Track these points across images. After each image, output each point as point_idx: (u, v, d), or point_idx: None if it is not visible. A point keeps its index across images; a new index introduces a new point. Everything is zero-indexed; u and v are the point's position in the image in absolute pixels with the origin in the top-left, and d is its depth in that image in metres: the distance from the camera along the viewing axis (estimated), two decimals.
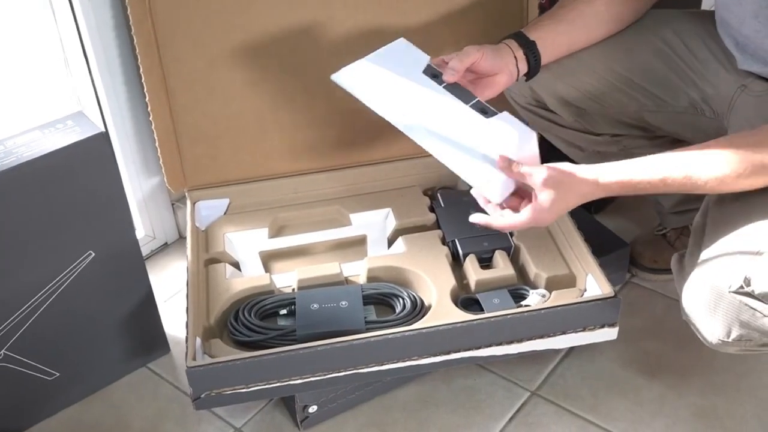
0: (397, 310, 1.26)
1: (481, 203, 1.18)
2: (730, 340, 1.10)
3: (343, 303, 1.27)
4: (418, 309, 1.26)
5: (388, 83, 1.19)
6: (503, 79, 1.23)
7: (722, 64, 1.31)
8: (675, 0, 1.43)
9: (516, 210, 1.14)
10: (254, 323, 1.24)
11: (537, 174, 1.11)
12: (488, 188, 1.13)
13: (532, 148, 1.15)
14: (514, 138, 1.13)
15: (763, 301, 1.04)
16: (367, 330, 1.22)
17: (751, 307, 1.06)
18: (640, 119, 1.37)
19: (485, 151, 1.13)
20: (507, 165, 1.12)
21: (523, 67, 1.25)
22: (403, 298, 1.27)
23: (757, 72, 1.26)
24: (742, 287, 1.05)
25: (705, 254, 1.13)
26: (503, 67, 1.23)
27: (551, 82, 1.34)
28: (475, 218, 1.17)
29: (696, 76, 1.33)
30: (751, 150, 1.09)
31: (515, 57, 1.24)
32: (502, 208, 1.16)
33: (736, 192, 1.15)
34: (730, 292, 1.06)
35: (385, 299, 1.29)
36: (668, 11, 1.40)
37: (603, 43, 1.35)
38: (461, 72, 1.19)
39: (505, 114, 1.17)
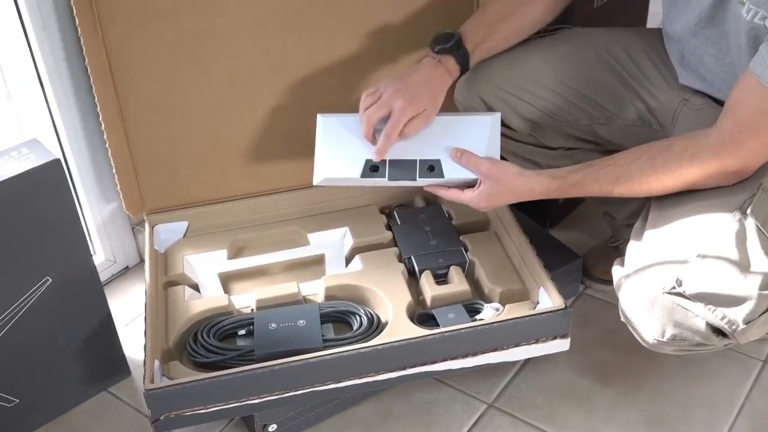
0: (354, 328, 1.28)
1: (450, 196, 1.28)
2: (665, 339, 1.14)
3: (301, 322, 1.28)
4: (375, 326, 1.28)
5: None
6: (437, 108, 1.29)
7: (666, 79, 1.36)
8: (621, 18, 1.49)
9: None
10: (213, 344, 1.25)
11: (482, 166, 1.22)
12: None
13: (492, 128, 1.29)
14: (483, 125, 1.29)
15: (693, 301, 1.09)
16: (325, 348, 1.23)
17: (683, 307, 1.10)
18: (592, 132, 1.41)
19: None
20: (458, 154, 1.24)
21: (455, 75, 1.31)
22: (360, 316, 1.29)
23: (697, 87, 1.31)
24: (674, 288, 1.10)
25: (641, 260, 1.18)
26: (436, 99, 1.29)
27: (507, 98, 1.37)
28: (424, 184, 1.29)
29: (642, 90, 1.37)
30: (664, 154, 1.15)
31: (450, 73, 1.30)
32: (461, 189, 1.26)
33: (672, 198, 1.20)
34: (664, 293, 1.11)
35: (342, 317, 1.31)
36: (615, 29, 1.44)
37: (554, 58, 1.38)
38: (387, 148, 1.26)
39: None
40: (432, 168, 1.27)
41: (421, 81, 1.28)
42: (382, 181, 1.28)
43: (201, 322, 1.31)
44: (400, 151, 1.28)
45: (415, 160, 1.27)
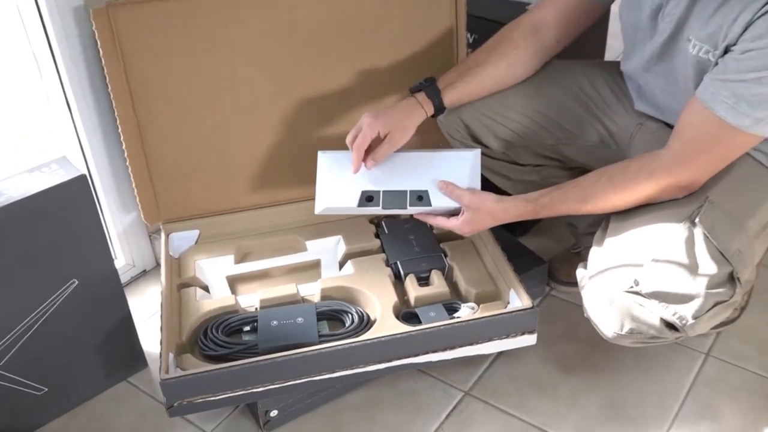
0: (347, 324, 1.27)
1: (437, 223, 1.29)
2: (623, 333, 1.15)
3: (300, 319, 1.27)
4: (365, 323, 1.28)
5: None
6: (406, 135, 1.29)
7: (624, 106, 1.36)
8: (583, 50, 1.49)
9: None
10: (221, 339, 1.24)
11: (464, 197, 1.22)
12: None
13: (472, 163, 1.29)
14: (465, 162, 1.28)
15: (649, 299, 1.10)
16: (321, 342, 1.22)
17: (640, 305, 1.11)
18: (557, 152, 1.41)
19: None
20: (444, 186, 1.24)
21: (429, 110, 1.31)
22: (351, 314, 1.28)
23: (651, 114, 1.32)
24: (632, 287, 1.11)
25: (603, 263, 1.18)
26: (405, 127, 1.29)
27: (484, 120, 1.37)
28: (414, 212, 1.30)
29: (602, 115, 1.38)
30: (622, 174, 1.16)
31: (422, 106, 1.30)
32: (447, 217, 1.27)
33: (630, 210, 1.20)
34: (623, 292, 1.12)
35: (336, 315, 1.31)
36: (580, 61, 1.45)
37: (527, 87, 1.38)
38: (361, 160, 1.27)
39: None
40: (421, 198, 1.27)
41: (393, 111, 1.29)
42: (377, 210, 1.29)
43: (210, 320, 1.30)
44: (393, 182, 1.28)
45: (406, 191, 1.27)
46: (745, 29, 1.06)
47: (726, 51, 1.10)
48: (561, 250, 1.65)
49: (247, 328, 1.29)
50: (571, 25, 1.35)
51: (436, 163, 1.29)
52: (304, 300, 1.36)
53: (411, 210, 1.28)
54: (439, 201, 1.26)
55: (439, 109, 1.32)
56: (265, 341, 1.23)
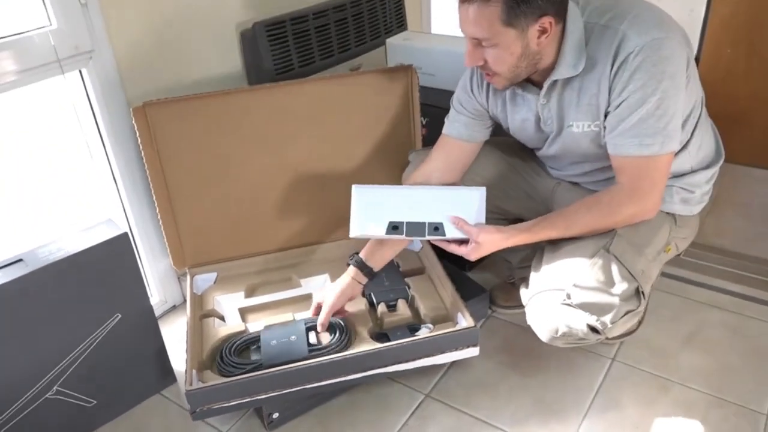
0: (332, 336, 1.28)
1: (450, 249, 1.24)
2: (558, 335, 1.16)
3: (293, 337, 1.28)
4: (347, 334, 1.29)
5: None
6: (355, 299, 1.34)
7: (544, 171, 1.40)
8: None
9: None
10: (234, 361, 1.25)
11: (473, 233, 1.19)
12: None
13: (479, 201, 1.23)
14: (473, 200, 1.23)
15: (577, 309, 1.12)
16: (311, 353, 1.24)
17: (571, 314, 1.13)
18: (496, 206, 1.41)
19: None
20: (457, 221, 1.21)
21: (363, 279, 1.34)
22: (336, 326, 1.30)
23: (562, 179, 1.36)
24: (565, 300, 1.13)
25: (541, 284, 1.20)
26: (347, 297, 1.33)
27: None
28: (431, 239, 1.24)
29: (529, 178, 1.42)
30: (597, 205, 1.17)
31: (357, 280, 1.33)
32: (458, 245, 1.23)
33: (559, 242, 1.22)
34: (559, 304, 1.13)
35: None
36: (509, 139, 1.41)
37: (480, 161, 1.37)
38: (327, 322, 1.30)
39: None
40: (437, 228, 1.22)
41: (340, 293, 1.32)
42: (401, 237, 1.24)
43: (225, 341, 1.30)
44: (413, 215, 1.24)
45: (425, 223, 1.23)
46: (610, 94, 1.10)
47: (606, 114, 1.14)
48: (499, 281, 1.66)
49: (254, 347, 1.29)
50: (457, 167, 1.34)
51: (449, 198, 1.24)
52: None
53: (429, 238, 1.23)
54: (452, 232, 1.22)
55: (369, 274, 1.33)
56: (267, 360, 1.24)
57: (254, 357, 1.29)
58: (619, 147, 1.13)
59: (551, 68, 1.14)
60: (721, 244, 1.83)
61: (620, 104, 1.10)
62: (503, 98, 1.27)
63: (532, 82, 1.21)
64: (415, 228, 1.23)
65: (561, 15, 1.09)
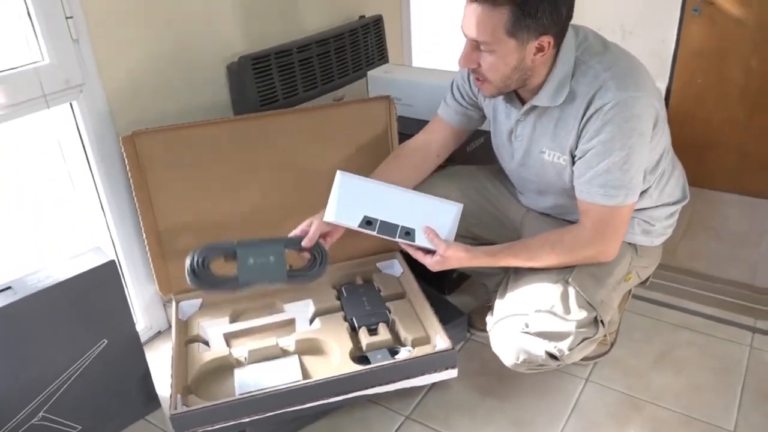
0: (310, 262, 1.27)
1: (415, 255, 1.27)
2: (519, 362, 1.21)
3: (271, 258, 1.24)
4: (323, 260, 1.27)
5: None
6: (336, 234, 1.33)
7: (515, 198, 1.45)
8: (484, 157, 1.57)
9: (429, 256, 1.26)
10: (209, 275, 1.20)
11: (440, 247, 1.23)
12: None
13: (455, 216, 1.27)
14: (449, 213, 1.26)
15: (536, 337, 1.17)
16: (289, 277, 1.23)
17: (530, 341, 1.18)
18: (469, 231, 1.45)
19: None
20: (428, 232, 1.24)
21: None
22: (314, 250, 1.28)
23: (530, 207, 1.41)
24: (524, 329, 1.18)
25: (504, 312, 1.25)
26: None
27: None
28: (400, 242, 1.26)
29: (500, 205, 1.47)
30: (560, 243, 1.22)
31: None
32: (424, 253, 1.26)
33: (523, 271, 1.26)
34: (519, 332, 1.19)
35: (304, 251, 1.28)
36: (482, 166, 1.53)
37: (448, 185, 1.42)
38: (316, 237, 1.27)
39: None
40: (408, 233, 1.25)
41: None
42: (372, 233, 1.25)
43: (209, 364, 1.30)
44: (389, 215, 1.26)
45: (398, 226, 1.25)
46: (579, 136, 1.17)
47: (572, 155, 1.19)
48: (478, 305, 1.69)
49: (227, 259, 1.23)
50: (447, 144, 1.44)
51: (426, 208, 1.26)
52: (284, 351, 1.36)
53: (398, 241, 1.26)
54: (422, 241, 1.25)
55: None
56: (245, 279, 1.21)
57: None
58: (586, 193, 1.18)
59: (537, 90, 1.19)
60: (694, 266, 1.90)
61: (589, 151, 1.15)
62: (491, 101, 1.33)
63: (518, 95, 1.26)
64: (388, 228, 1.25)
65: (559, 39, 1.15)
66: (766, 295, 1.75)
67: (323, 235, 1.30)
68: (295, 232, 1.30)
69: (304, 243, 1.27)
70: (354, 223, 1.26)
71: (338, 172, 1.27)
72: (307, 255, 1.29)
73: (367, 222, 1.26)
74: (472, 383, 1.46)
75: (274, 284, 1.24)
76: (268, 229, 1.50)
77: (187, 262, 1.21)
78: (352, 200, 1.26)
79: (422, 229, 1.25)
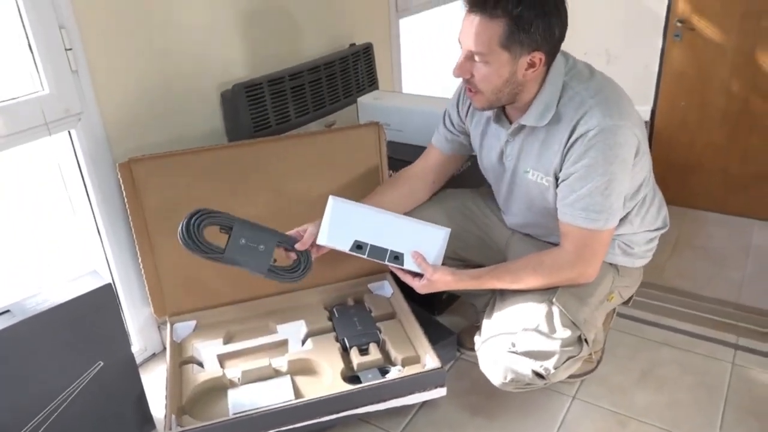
0: (294, 263, 1.31)
1: (404, 279, 1.31)
2: (507, 381, 1.23)
3: (261, 246, 1.27)
4: (307, 267, 1.31)
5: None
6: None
7: (500, 221, 1.49)
8: (471, 179, 1.60)
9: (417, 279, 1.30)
10: (201, 239, 1.23)
11: (428, 271, 1.26)
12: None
13: (442, 241, 1.30)
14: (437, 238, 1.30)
15: (523, 357, 1.19)
16: (268, 272, 1.26)
17: (517, 361, 1.20)
18: (455, 254, 1.49)
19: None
20: (416, 256, 1.28)
21: None
22: (302, 256, 1.31)
23: (516, 229, 1.45)
24: (510, 348, 1.21)
25: (491, 332, 1.28)
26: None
27: None
28: (390, 266, 1.30)
29: (486, 228, 1.50)
30: (541, 266, 1.25)
31: None
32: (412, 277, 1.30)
33: (509, 293, 1.29)
34: (506, 352, 1.21)
35: (292, 248, 1.32)
36: (467, 189, 1.56)
37: (437, 209, 1.46)
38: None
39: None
40: (397, 257, 1.28)
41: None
42: (362, 257, 1.29)
43: (203, 385, 1.33)
44: (379, 239, 1.29)
45: (387, 250, 1.28)
46: (563, 159, 1.21)
47: (556, 177, 1.23)
48: (467, 325, 1.71)
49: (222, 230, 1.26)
50: (442, 171, 1.48)
51: (415, 232, 1.29)
52: (276, 371, 1.38)
53: (388, 264, 1.29)
54: (410, 265, 1.28)
55: None
56: (229, 256, 1.24)
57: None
58: (568, 216, 1.22)
59: (525, 109, 1.24)
60: (681, 285, 1.94)
61: (572, 174, 1.20)
62: (480, 125, 1.37)
63: (506, 115, 1.31)
64: (378, 252, 1.29)
65: (550, 57, 1.20)
66: (749, 313, 1.79)
67: (313, 245, 1.33)
68: (290, 233, 1.33)
69: (298, 246, 1.31)
70: (345, 247, 1.30)
71: (330, 198, 1.30)
72: (293, 256, 1.33)
73: (358, 246, 1.29)
74: (461, 402, 1.48)
75: (252, 273, 1.27)
76: None
77: (186, 217, 1.24)
78: (343, 225, 1.29)
79: (410, 253, 1.29)
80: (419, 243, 1.29)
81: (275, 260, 1.30)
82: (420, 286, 1.29)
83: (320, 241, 1.30)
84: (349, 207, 1.31)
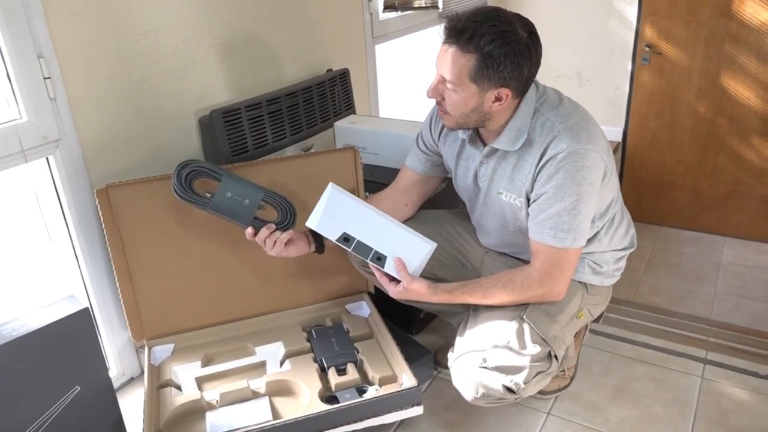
0: (280, 216, 1.40)
1: (381, 280, 1.32)
2: (478, 396, 1.26)
3: (246, 201, 1.35)
4: (290, 219, 1.39)
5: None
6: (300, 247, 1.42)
7: (475, 241, 1.53)
8: (447, 200, 1.64)
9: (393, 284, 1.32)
10: (189, 189, 1.36)
11: (406, 280, 1.29)
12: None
13: (426, 254, 1.32)
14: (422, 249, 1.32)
15: (493, 372, 1.22)
16: (252, 222, 1.35)
17: (488, 376, 1.23)
18: (432, 273, 1.51)
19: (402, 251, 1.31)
20: (398, 264, 1.30)
21: (312, 248, 1.43)
22: (284, 211, 1.40)
23: (490, 247, 1.49)
24: (482, 364, 1.24)
25: (463, 348, 1.31)
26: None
27: None
28: (371, 265, 1.32)
29: (461, 248, 1.54)
30: (511, 283, 1.28)
31: (309, 244, 1.43)
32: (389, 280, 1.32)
33: (482, 309, 1.32)
34: (477, 368, 1.24)
35: (277, 204, 1.41)
36: (444, 211, 1.60)
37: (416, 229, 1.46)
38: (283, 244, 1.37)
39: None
40: (379, 258, 1.30)
41: (297, 240, 1.41)
42: (347, 249, 1.31)
43: (181, 408, 1.34)
44: (367, 237, 1.30)
45: (372, 249, 1.30)
46: (534, 180, 1.26)
47: (528, 197, 1.28)
48: (444, 343, 1.73)
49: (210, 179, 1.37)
50: (416, 193, 1.52)
51: (402, 239, 1.31)
52: (254, 393, 1.39)
53: (369, 262, 1.31)
54: (390, 269, 1.30)
55: (320, 249, 1.44)
56: (215, 206, 1.36)
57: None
58: (538, 234, 1.27)
59: (498, 132, 1.29)
60: (655, 302, 1.99)
61: (542, 195, 1.25)
62: (455, 146, 1.41)
63: (481, 138, 1.35)
64: (363, 249, 1.31)
65: (520, 93, 1.25)
66: (720, 328, 1.84)
67: (289, 241, 1.38)
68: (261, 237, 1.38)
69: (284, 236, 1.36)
70: (333, 236, 1.31)
71: (330, 185, 1.32)
72: (275, 213, 1.39)
73: (345, 238, 1.31)
74: (439, 420, 1.50)
75: (237, 224, 1.33)
76: (236, 275, 1.59)
77: (178, 169, 1.37)
78: (336, 215, 1.31)
79: (393, 258, 1.31)
80: (404, 250, 1.31)
81: (260, 217, 1.36)
82: (395, 292, 1.31)
83: (310, 224, 1.30)
84: (345, 199, 1.32)
